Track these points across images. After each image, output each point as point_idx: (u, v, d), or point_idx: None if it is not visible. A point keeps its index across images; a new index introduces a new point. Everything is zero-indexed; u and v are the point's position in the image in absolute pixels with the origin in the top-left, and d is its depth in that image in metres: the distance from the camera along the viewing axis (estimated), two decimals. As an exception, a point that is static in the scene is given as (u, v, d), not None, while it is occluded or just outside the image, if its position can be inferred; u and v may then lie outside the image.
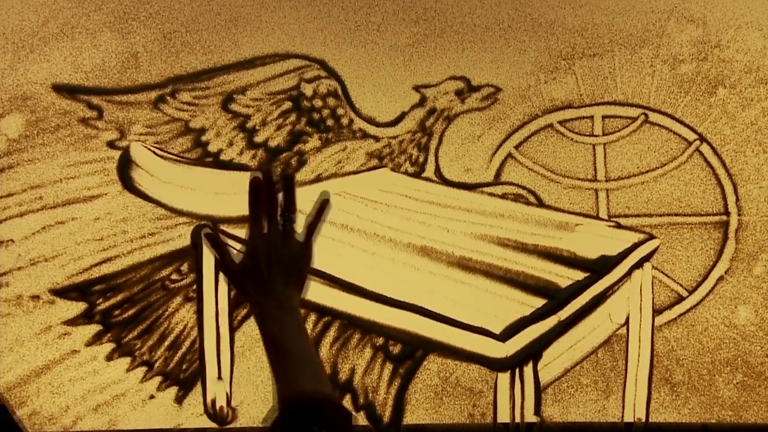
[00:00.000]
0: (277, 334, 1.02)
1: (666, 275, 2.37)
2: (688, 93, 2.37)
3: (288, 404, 0.94)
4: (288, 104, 2.41)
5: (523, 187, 2.40)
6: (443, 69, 2.40)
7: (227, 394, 2.15)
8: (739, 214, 2.35)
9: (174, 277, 2.33)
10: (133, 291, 2.31)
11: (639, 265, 2.22)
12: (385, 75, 2.40)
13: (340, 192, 2.42)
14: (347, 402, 2.30)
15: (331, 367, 2.33)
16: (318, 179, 2.40)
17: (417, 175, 2.42)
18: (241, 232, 2.32)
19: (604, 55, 2.38)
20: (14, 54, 2.35)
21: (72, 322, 2.32)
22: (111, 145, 2.34)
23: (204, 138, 2.39)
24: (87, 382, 2.32)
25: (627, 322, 2.28)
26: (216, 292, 2.26)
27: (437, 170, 2.42)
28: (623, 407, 2.33)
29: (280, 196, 1.08)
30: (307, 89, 2.41)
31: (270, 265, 1.06)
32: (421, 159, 2.43)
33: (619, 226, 2.34)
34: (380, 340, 2.30)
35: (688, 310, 2.36)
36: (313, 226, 1.09)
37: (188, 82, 2.38)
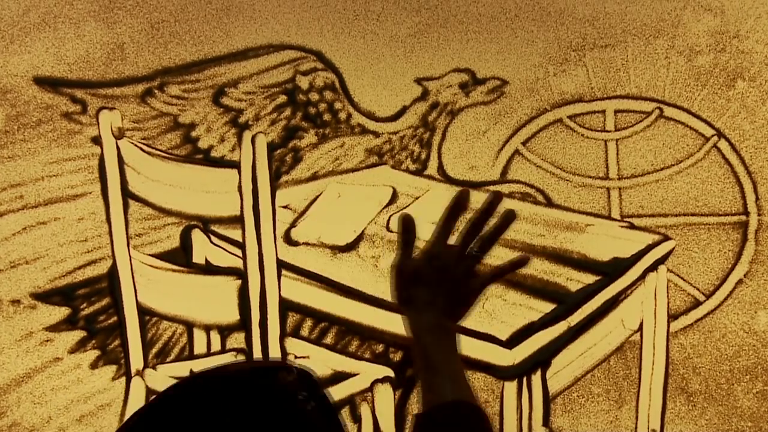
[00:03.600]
0: (433, 352, 1.08)
1: (682, 278, 2.35)
2: (706, 86, 2.35)
3: (430, 409, 1.02)
4: (283, 98, 2.40)
5: (531, 186, 2.39)
6: (447, 61, 2.39)
7: None
8: (759, 214, 2.34)
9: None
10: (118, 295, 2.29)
11: (653, 267, 2.20)
12: (385, 67, 2.39)
13: (338, 191, 2.41)
14: (345, 412, 2.28)
15: (328, 376, 2.31)
16: (314, 177, 2.38)
17: (419, 172, 2.41)
18: (233, 233, 2.31)
19: (617, 46, 2.37)
20: (-7, 45, 2.33)
21: (54, 327, 2.31)
22: (96, 141, 2.32)
23: (194, 134, 2.38)
24: (70, 392, 2.31)
25: (641, 328, 2.27)
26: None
27: (440, 167, 2.41)
28: (637, 418, 2.32)
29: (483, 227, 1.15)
30: (303, 82, 2.40)
31: (444, 283, 1.11)
32: (423, 156, 2.42)
33: (632, 226, 2.32)
34: (380, 347, 2.28)
35: (705, 316, 2.35)
36: (497, 276, 1.15)
37: (177, 74, 2.37)
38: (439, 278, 1.12)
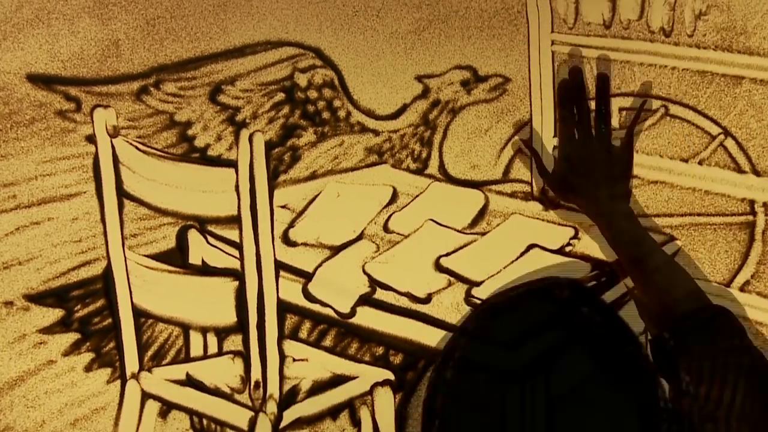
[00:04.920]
0: (620, 220, 1.29)
1: (687, 280, 2.34)
2: (712, 83, 2.34)
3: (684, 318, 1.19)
4: (281, 96, 2.39)
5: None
6: (448, 58, 2.38)
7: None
8: (766, 215, 2.32)
9: (158, 281, 2.30)
10: (113, 297, 2.29)
11: (658, 268, 2.19)
12: (385, 64, 2.38)
13: (337, 190, 2.39)
14: (345, 416, 2.27)
15: (327, 379, 2.30)
16: (313, 176, 2.37)
17: (420, 171, 2.40)
18: (230, 234, 2.31)
19: (621, 42, 2.35)
20: (-14, 41, 2.32)
21: (48, 330, 2.30)
22: (90, 139, 2.31)
23: (190, 132, 2.36)
24: (64, 395, 2.30)
25: (645, 330, 2.25)
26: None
27: (441, 167, 2.40)
28: (642, 422, 2.30)
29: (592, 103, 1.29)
30: (302, 79, 2.39)
31: (589, 175, 1.26)
32: (424, 154, 2.41)
33: (637, 226, 2.31)
34: (380, 350, 2.27)
35: (711, 317, 2.33)
36: (632, 128, 1.32)
37: (173, 71, 2.35)
38: (578, 171, 1.26)
